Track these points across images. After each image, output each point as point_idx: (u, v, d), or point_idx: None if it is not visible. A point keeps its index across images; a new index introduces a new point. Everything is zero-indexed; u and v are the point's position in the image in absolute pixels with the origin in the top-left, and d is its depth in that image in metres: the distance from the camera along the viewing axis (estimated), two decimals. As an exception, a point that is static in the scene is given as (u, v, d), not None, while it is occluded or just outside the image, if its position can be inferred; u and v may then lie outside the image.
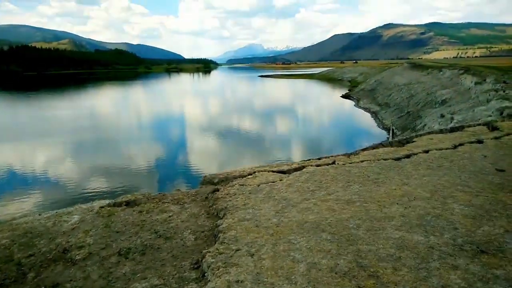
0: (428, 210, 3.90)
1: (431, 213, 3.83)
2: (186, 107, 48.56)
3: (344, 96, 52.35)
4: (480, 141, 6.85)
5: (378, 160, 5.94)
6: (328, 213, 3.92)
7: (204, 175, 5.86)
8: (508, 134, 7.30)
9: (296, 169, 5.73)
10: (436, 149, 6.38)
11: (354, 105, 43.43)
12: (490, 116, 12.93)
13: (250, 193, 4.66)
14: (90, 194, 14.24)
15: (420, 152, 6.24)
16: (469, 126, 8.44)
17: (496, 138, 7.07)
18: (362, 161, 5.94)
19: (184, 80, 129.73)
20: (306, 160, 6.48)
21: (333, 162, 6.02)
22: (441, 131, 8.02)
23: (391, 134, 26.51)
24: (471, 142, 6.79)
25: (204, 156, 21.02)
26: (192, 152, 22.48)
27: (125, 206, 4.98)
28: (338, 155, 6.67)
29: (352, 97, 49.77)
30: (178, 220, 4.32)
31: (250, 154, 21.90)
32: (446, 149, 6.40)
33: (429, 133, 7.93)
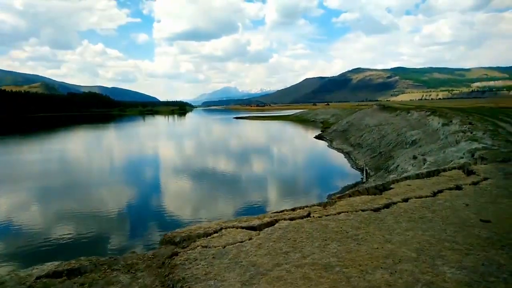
0: (417, 276, 3.39)
1: (421, 280, 3.31)
2: (155, 152, 46.75)
3: (317, 137, 53.10)
4: (459, 187, 6.57)
5: (356, 211, 5.48)
6: (303, 284, 3.33)
7: (165, 234, 5.16)
8: (485, 179, 7.09)
9: (268, 224, 5.17)
10: (416, 197, 6.02)
11: (327, 146, 43.92)
12: (462, 158, 13.00)
13: (213, 257, 4.02)
14: (37, 251, 12.85)
15: (399, 201, 5.85)
16: (445, 170, 8.24)
17: (474, 183, 6.83)
18: (339, 213, 5.46)
19: (158, 123, 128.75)
20: (279, 212, 5.92)
21: (308, 214, 5.51)
22: (417, 176, 7.75)
23: (365, 175, 26.57)
24: (450, 189, 6.50)
25: (170, 206, 19.45)
26: (157, 203, 20.77)
27: (65, 277, 4.19)
28: (314, 205, 6.17)
29: (325, 138, 50.53)
30: (126, 296, 3.59)
31: (221, 201, 20.86)
32: (426, 197, 6.06)
33: (406, 178, 7.63)
